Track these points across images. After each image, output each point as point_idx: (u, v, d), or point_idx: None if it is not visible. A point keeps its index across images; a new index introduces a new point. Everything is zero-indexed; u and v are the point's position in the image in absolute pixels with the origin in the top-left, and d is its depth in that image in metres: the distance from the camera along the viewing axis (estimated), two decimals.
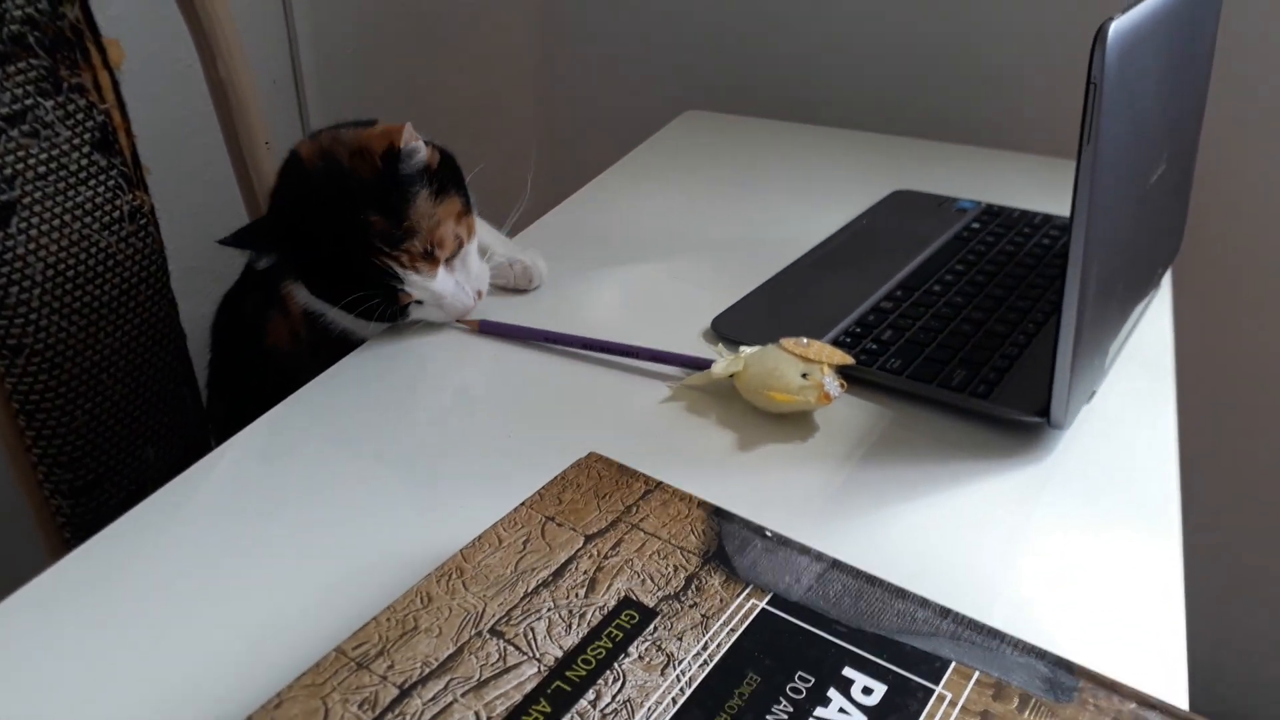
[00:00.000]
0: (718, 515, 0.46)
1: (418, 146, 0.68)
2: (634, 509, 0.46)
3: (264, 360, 0.80)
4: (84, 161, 0.78)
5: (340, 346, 0.72)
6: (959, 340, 0.67)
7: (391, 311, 0.69)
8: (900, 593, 0.42)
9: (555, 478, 0.49)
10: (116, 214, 0.82)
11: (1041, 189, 0.94)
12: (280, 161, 0.72)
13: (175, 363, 0.89)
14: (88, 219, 0.79)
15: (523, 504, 0.47)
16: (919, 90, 1.15)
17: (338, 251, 0.67)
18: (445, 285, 0.69)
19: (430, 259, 0.67)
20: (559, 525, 0.45)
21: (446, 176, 0.70)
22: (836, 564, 0.43)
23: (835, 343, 0.68)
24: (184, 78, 1.11)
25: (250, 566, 0.50)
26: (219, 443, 0.92)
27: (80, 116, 0.78)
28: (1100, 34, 0.50)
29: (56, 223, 0.76)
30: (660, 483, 0.48)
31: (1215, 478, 1.15)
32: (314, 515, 0.54)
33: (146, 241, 0.85)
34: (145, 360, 0.86)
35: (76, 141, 0.78)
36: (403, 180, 0.67)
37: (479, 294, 0.71)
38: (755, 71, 1.23)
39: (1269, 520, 1.16)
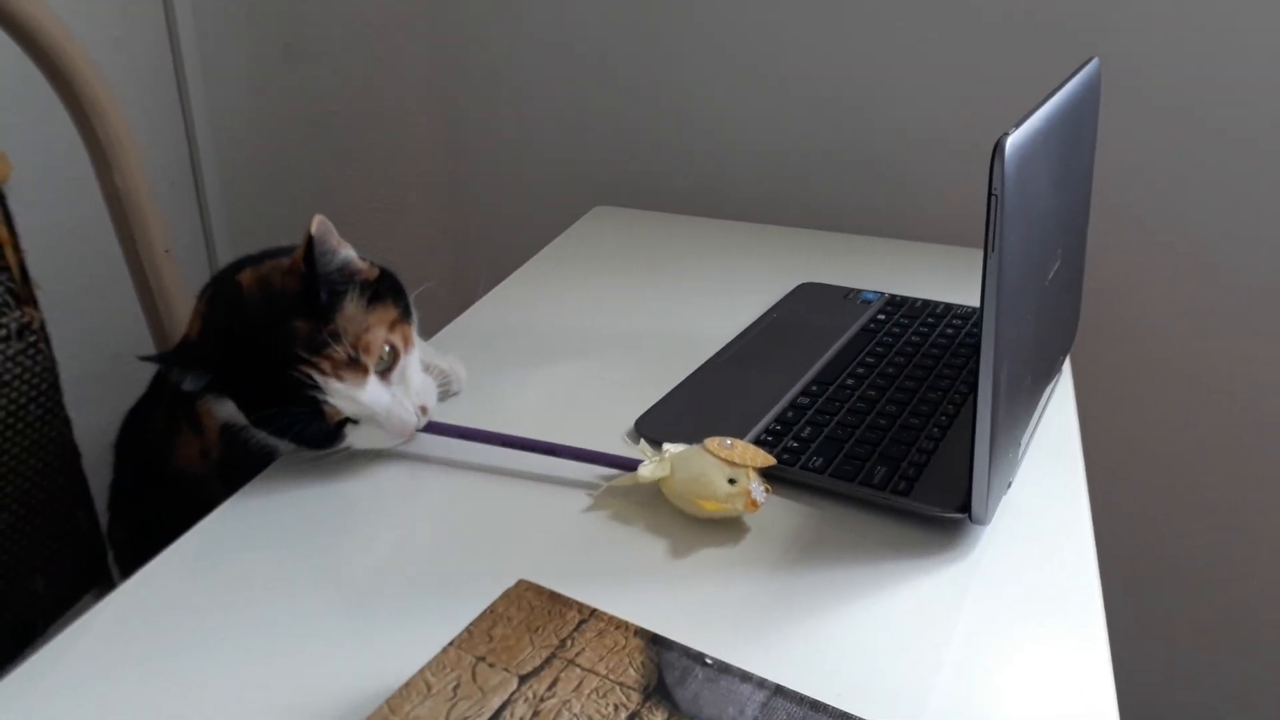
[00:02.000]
0: (656, 644, 0.45)
1: (333, 241, 0.64)
2: (569, 642, 0.45)
3: (170, 481, 0.77)
4: None
5: (253, 465, 0.69)
6: (876, 435, 0.68)
7: (325, 432, 0.64)
8: (846, 718, 0.41)
9: (484, 611, 0.47)
10: (3, 332, 0.77)
11: (941, 277, 0.97)
12: (209, 284, 0.70)
13: (68, 484, 0.84)
14: None
15: (451, 644, 0.45)
16: (820, 184, 1.19)
17: (265, 369, 0.63)
18: (377, 397, 0.63)
19: (357, 367, 0.63)
20: (490, 666, 0.44)
21: (384, 287, 0.67)
22: (780, 690, 0.43)
23: (757, 441, 0.68)
24: (75, 184, 1.07)
25: (156, 717, 0.47)
26: (121, 570, 0.88)
27: None
28: (998, 149, 0.52)
29: None
30: (594, 610, 0.47)
31: (1131, 552, 1.19)
32: (226, 658, 0.51)
33: (36, 359, 0.80)
34: (35, 484, 0.81)
35: None
36: (327, 279, 0.63)
37: (423, 409, 0.66)
38: (662, 167, 1.25)
39: (1190, 594, 1.20)
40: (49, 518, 0.82)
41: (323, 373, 0.62)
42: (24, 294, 0.80)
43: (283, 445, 0.68)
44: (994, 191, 0.53)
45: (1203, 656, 1.22)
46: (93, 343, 1.11)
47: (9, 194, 0.79)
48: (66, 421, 0.84)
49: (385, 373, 0.65)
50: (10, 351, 0.78)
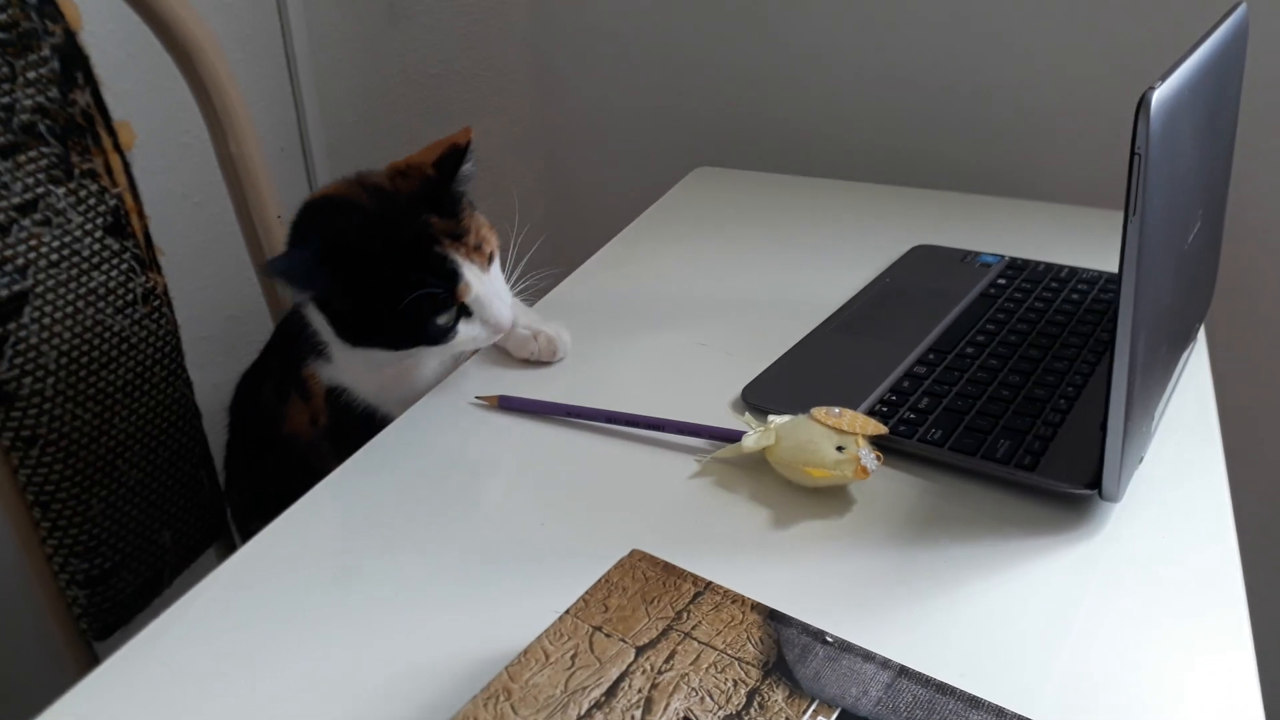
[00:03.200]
0: (774, 619, 0.44)
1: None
2: (685, 615, 0.44)
3: (281, 448, 0.79)
4: (96, 247, 0.77)
5: (360, 430, 0.71)
6: (999, 407, 0.65)
7: (440, 329, 0.67)
8: (975, 702, 0.40)
9: (599, 581, 0.47)
10: (130, 297, 0.80)
11: (1064, 239, 0.92)
12: (300, 212, 0.72)
13: (191, 444, 0.87)
14: (101, 304, 0.78)
15: (567, 612, 0.45)
16: (933, 141, 1.14)
17: (394, 262, 0.66)
18: (496, 280, 0.70)
19: (480, 253, 0.69)
20: (607, 636, 0.43)
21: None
22: (904, 671, 0.41)
23: (870, 412, 0.66)
24: (190, 150, 1.10)
25: (275, 680, 0.48)
26: (238, 528, 0.91)
27: (92, 202, 0.77)
28: (1143, 105, 0.49)
29: (70, 310, 0.75)
30: (710, 583, 0.46)
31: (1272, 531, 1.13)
32: (342, 621, 0.52)
33: (160, 323, 0.83)
34: (160, 443, 0.84)
35: (89, 227, 0.76)
36: (460, 181, 0.70)
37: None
38: (765, 125, 1.22)
39: None
40: (174, 475, 0.85)
41: (462, 256, 0.68)
42: (149, 260, 0.82)
43: (385, 364, 0.70)
44: (1138, 150, 0.49)
45: None
46: (209, 305, 1.15)
47: (132, 163, 0.82)
48: (188, 383, 0.87)
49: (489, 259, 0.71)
50: (136, 315, 0.81)
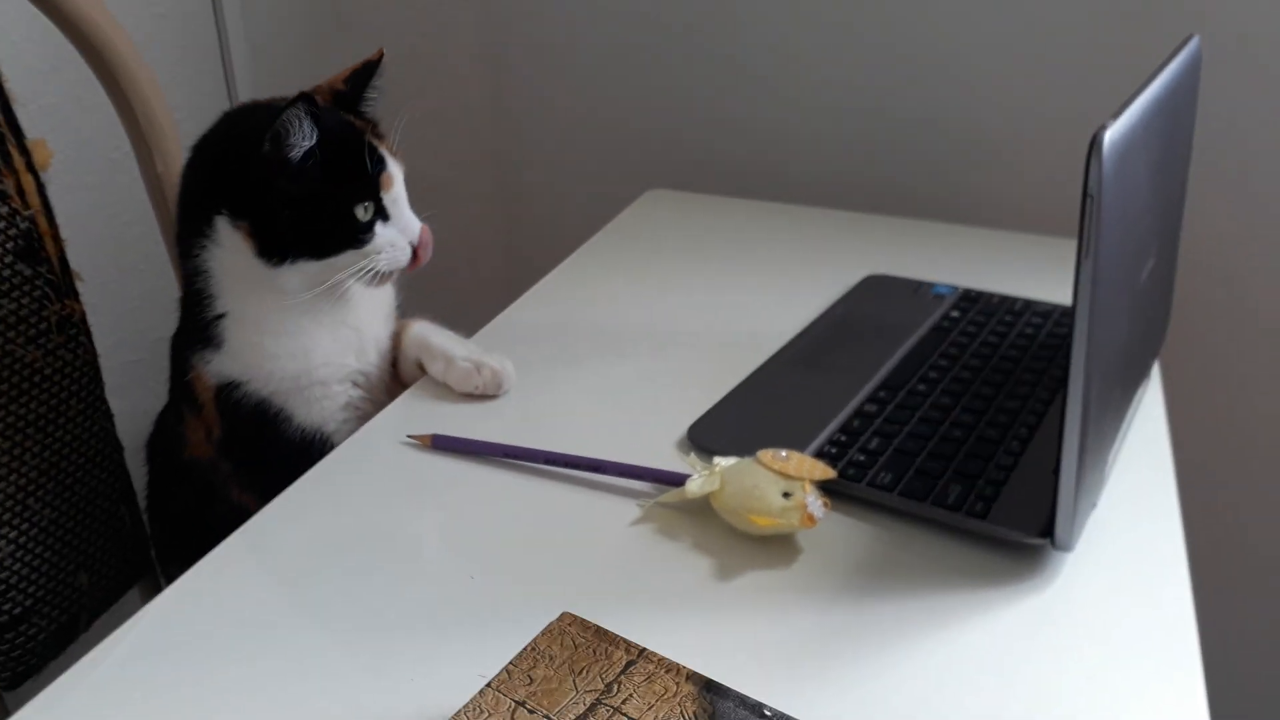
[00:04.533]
0: (710, 691, 0.41)
1: None
2: (615, 687, 0.41)
3: (185, 474, 0.75)
4: (5, 272, 0.73)
5: (255, 434, 0.69)
6: (950, 448, 0.63)
7: (364, 220, 0.68)
8: None
9: (525, 648, 0.44)
10: (43, 325, 0.76)
11: (1020, 268, 0.91)
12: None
13: (111, 479, 0.83)
14: (11, 333, 0.73)
15: (489, 685, 0.42)
16: (887, 166, 1.13)
17: (331, 143, 0.66)
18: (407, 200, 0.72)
19: (398, 158, 0.72)
20: (530, 712, 0.40)
21: None
22: None
23: (819, 454, 0.64)
24: (119, 166, 1.05)
25: None
26: (161, 564, 0.87)
27: (2, 225, 0.72)
28: (1095, 145, 0.47)
29: None
30: (643, 650, 0.43)
31: (1227, 567, 1.12)
32: (253, 686, 0.48)
33: (77, 352, 0.79)
34: (77, 479, 0.79)
35: None
36: (369, 92, 0.73)
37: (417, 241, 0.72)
38: (719, 147, 1.20)
39: None
40: (91, 513, 0.81)
41: (384, 150, 0.70)
42: (64, 286, 0.78)
43: (302, 273, 0.68)
44: (1090, 192, 0.48)
45: None
46: (134, 329, 1.10)
47: (48, 182, 0.77)
48: (108, 415, 0.83)
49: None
50: (50, 345, 0.76)
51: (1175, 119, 0.64)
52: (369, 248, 0.68)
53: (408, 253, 0.71)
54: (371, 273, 0.69)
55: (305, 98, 0.64)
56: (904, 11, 1.06)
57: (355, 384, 0.74)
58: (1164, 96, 0.59)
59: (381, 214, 0.69)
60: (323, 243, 0.67)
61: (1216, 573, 1.08)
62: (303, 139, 0.65)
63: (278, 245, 0.67)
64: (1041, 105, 1.03)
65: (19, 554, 0.75)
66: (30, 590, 0.76)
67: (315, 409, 0.72)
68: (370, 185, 0.68)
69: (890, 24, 1.07)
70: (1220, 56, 0.93)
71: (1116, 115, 0.50)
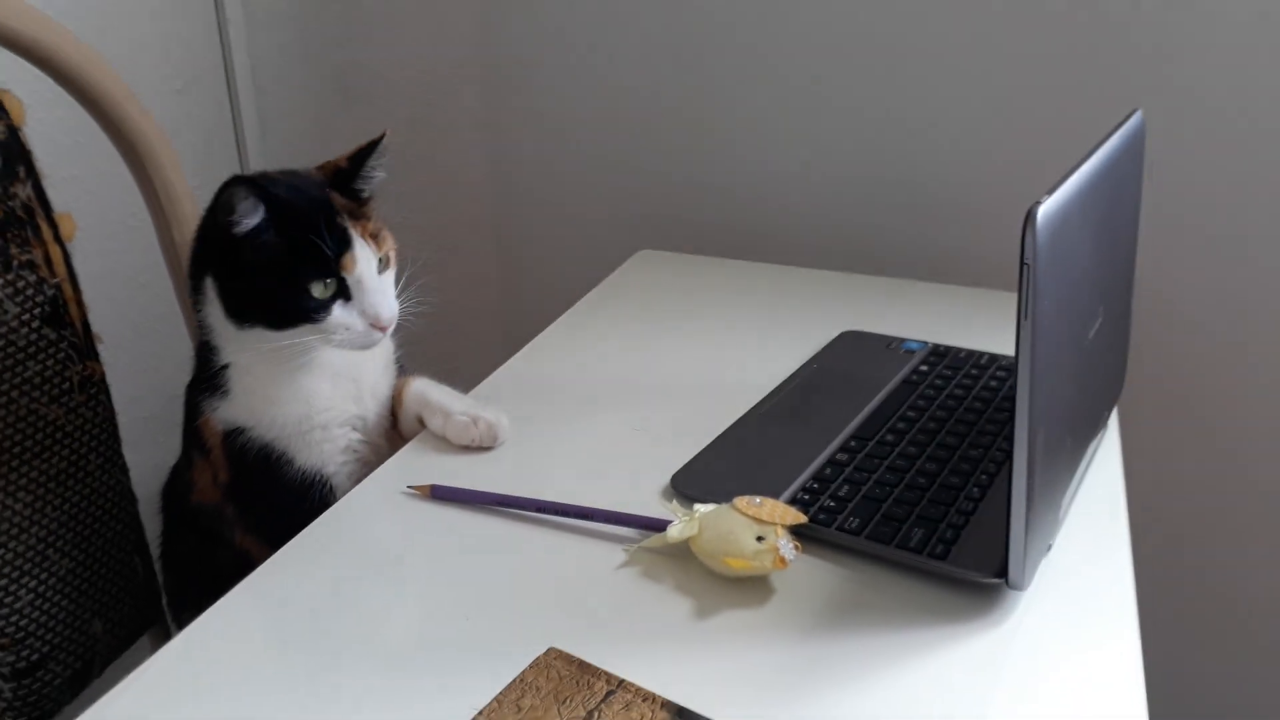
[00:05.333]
0: (681, 717, 0.45)
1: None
2: (596, 714, 0.45)
3: (192, 520, 0.79)
4: (33, 336, 0.78)
5: (261, 480, 0.73)
6: (915, 494, 0.68)
7: (319, 297, 0.70)
8: None
9: (513, 681, 0.48)
10: (66, 385, 0.81)
11: (988, 324, 0.96)
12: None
13: (126, 531, 0.87)
14: (36, 393, 0.78)
15: (480, 713, 0.46)
16: (863, 229, 1.18)
17: (295, 217, 0.69)
18: (379, 273, 0.73)
19: (377, 242, 0.73)
20: None
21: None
22: None
23: (793, 500, 0.68)
24: (137, 232, 1.11)
25: None
26: (173, 616, 0.91)
27: (30, 292, 0.77)
28: (1029, 218, 0.52)
29: (3, 399, 0.76)
30: (622, 681, 0.48)
31: (1176, 606, 1.16)
32: None
33: (97, 410, 0.84)
34: (94, 531, 0.84)
35: (26, 317, 0.77)
36: (367, 177, 0.75)
37: (391, 323, 0.73)
38: (704, 211, 1.26)
39: (1233, 656, 1.16)
40: (106, 563, 0.85)
41: (357, 232, 0.72)
42: (86, 348, 0.83)
43: (273, 358, 0.72)
44: (1026, 261, 0.53)
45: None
46: (151, 385, 1.15)
47: (73, 251, 0.83)
48: (124, 469, 0.87)
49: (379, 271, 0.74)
50: (72, 404, 0.81)
51: (1117, 188, 0.69)
52: (323, 325, 0.71)
53: (368, 336, 0.72)
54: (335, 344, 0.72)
55: (243, 180, 0.68)
56: (877, 90, 1.13)
57: (354, 428, 0.78)
58: (1104, 169, 0.64)
59: (344, 293, 0.71)
60: (277, 314, 0.70)
61: (1165, 611, 1.12)
62: (246, 215, 0.68)
63: (237, 309, 0.71)
64: (1008, 172, 1.09)
65: (38, 602, 0.79)
66: (48, 637, 0.80)
67: (316, 452, 0.75)
68: (327, 264, 0.70)
69: (864, 101, 1.14)
70: (1166, 125, 0.99)
71: (1052, 190, 0.56)
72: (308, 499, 0.72)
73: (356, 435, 0.78)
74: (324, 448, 0.76)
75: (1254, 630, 1.16)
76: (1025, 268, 0.52)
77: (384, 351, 0.81)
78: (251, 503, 0.76)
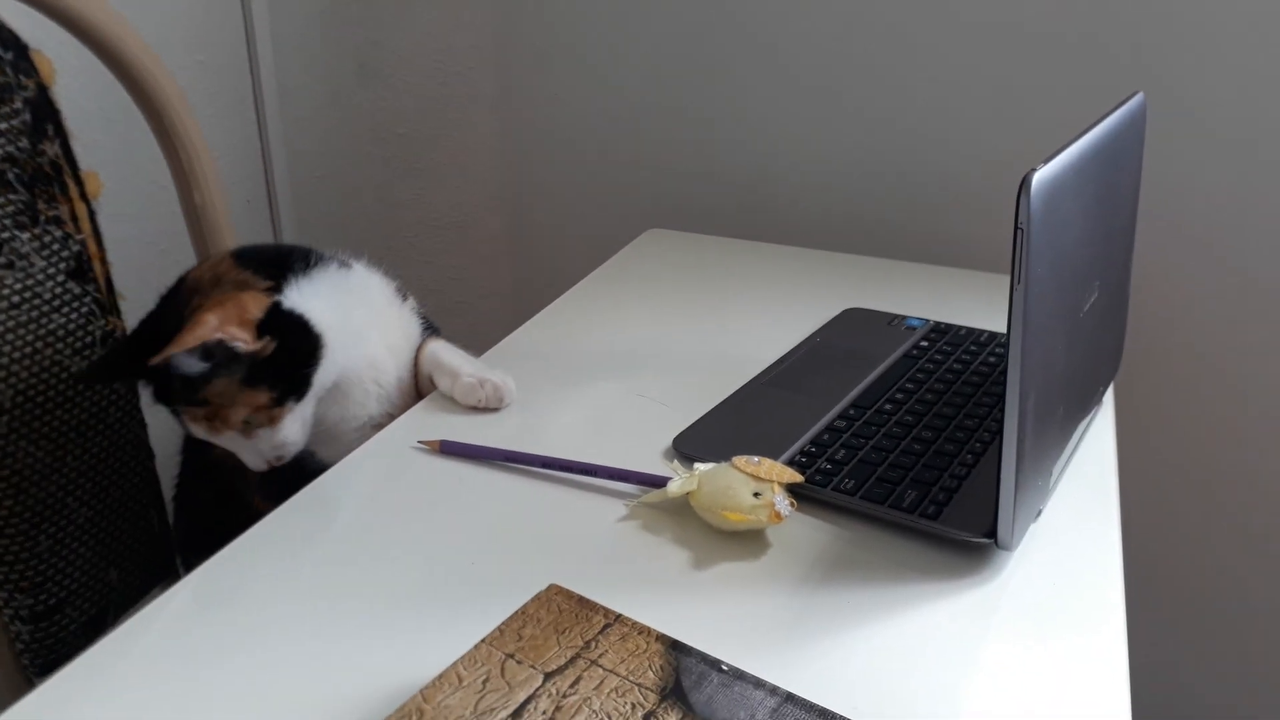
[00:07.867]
0: (675, 649, 0.48)
1: (236, 346, 0.69)
2: (593, 644, 0.47)
3: (211, 474, 0.81)
4: (58, 290, 0.80)
5: None
6: (910, 460, 0.69)
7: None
8: None
9: (516, 612, 0.50)
10: (89, 339, 0.83)
11: (987, 304, 0.98)
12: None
13: (142, 484, 0.90)
14: (60, 345, 0.81)
15: (483, 640, 0.48)
16: (870, 211, 1.20)
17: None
18: (238, 443, 0.73)
19: (212, 424, 0.72)
20: (518, 663, 0.46)
21: (274, 364, 0.71)
22: (791, 698, 0.45)
23: (790, 462, 0.70)
24: (158, 198, 1.14)
25: (204, 712, 0.51)
26: (184, 560, 0.93)
27: (56, 247, 0.80)
28: (1024, 184, 0.54)
29: (28, 350, 0.78)
30: (620, 615, 0.50)
31: (1161, 585, 1.18)
32: (273, 654, 0.54)
33: None
34: (112, 483, 0.86)
35: (51, 271, 0.80)
36: (181, 365, 0.69)
37: (277, 458, 0.73)
38: (715, 192, 1.28)
39: (1211, 630, 1.18)
40: (123, 514, 0.87)
41: (191, 419, 0.72)
42: (109, 304, 0.85)
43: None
44: (1020, 225, 0.54)
45: (1222, 685, 1.19)
46: None
47: (98, 210, 0.85)
48: (142, 424, 0.90)
49: (250, 430, 0.72)
50: (94, 357, 0.83)
51: (1116, 166, 0.71)
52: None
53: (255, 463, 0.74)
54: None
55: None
56: (883, 78, 1.15)
57: (373, 389, 0.80)
58: (1102, 145, 0.66)
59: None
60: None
61: (1150, 575, 1.13)
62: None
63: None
64: (1010, 157, 1.11)
65: (56, 549, 0.81)
66: (65, 583, 0.82)
67: (338, 409, 0.78)
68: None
69: (870, 88, 1.16)
70: (1170, 106, 1.01)
71: (1048, 160, 0.57)
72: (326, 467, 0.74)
73: (376, 394, 0.80)
74: (344, 407, 0.78)
75: (1244, 617, 1.17)
76: (1019, 231, 0.54)
77: (398, 316, 0.83)
78: (273, 469, 0.78)
